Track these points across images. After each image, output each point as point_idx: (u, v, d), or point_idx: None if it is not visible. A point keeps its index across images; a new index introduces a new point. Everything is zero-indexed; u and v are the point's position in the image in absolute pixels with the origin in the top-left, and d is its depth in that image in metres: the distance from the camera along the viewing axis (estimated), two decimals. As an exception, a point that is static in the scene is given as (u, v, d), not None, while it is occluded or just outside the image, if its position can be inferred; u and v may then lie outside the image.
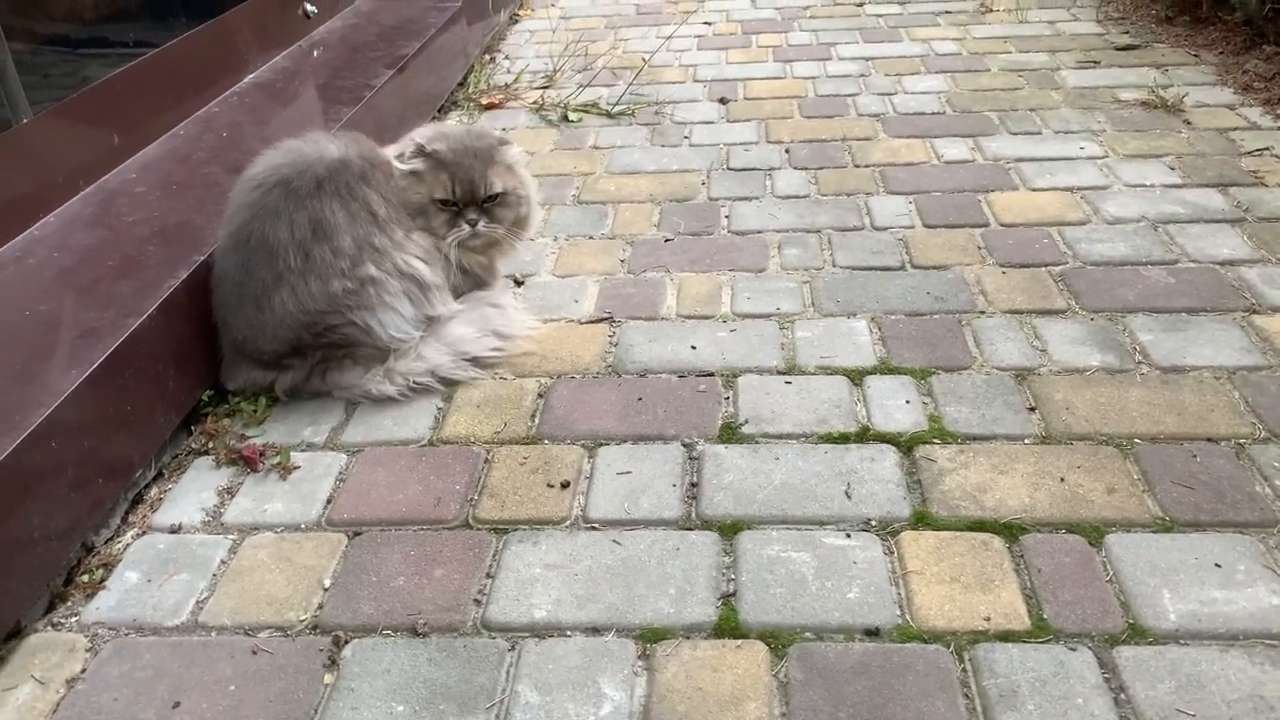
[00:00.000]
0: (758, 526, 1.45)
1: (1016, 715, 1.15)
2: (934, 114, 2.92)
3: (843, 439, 1.61)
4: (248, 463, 1.64)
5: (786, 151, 2.74)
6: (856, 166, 2.62)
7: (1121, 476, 1.50)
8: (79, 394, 1.45)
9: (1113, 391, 1.69)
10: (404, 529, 1.49)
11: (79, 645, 1.33)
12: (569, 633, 1.30)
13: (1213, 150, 2.55)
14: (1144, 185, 2.40)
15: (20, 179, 1.87)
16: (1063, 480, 1.50)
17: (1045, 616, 1.28)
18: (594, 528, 1.48)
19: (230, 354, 1.77)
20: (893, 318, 1.93)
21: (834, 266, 2.13)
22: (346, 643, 1.31)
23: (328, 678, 1.26)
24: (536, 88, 3.35)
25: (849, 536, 1.42)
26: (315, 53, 2.94)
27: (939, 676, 1.21)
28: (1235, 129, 2.67)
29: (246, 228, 1.70)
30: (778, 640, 1.27)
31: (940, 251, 2.16)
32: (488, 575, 1.40)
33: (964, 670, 1.22)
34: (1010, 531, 1.42)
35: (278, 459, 1.64)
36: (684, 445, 1.63)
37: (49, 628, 1.36)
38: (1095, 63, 3.24)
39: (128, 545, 1.51)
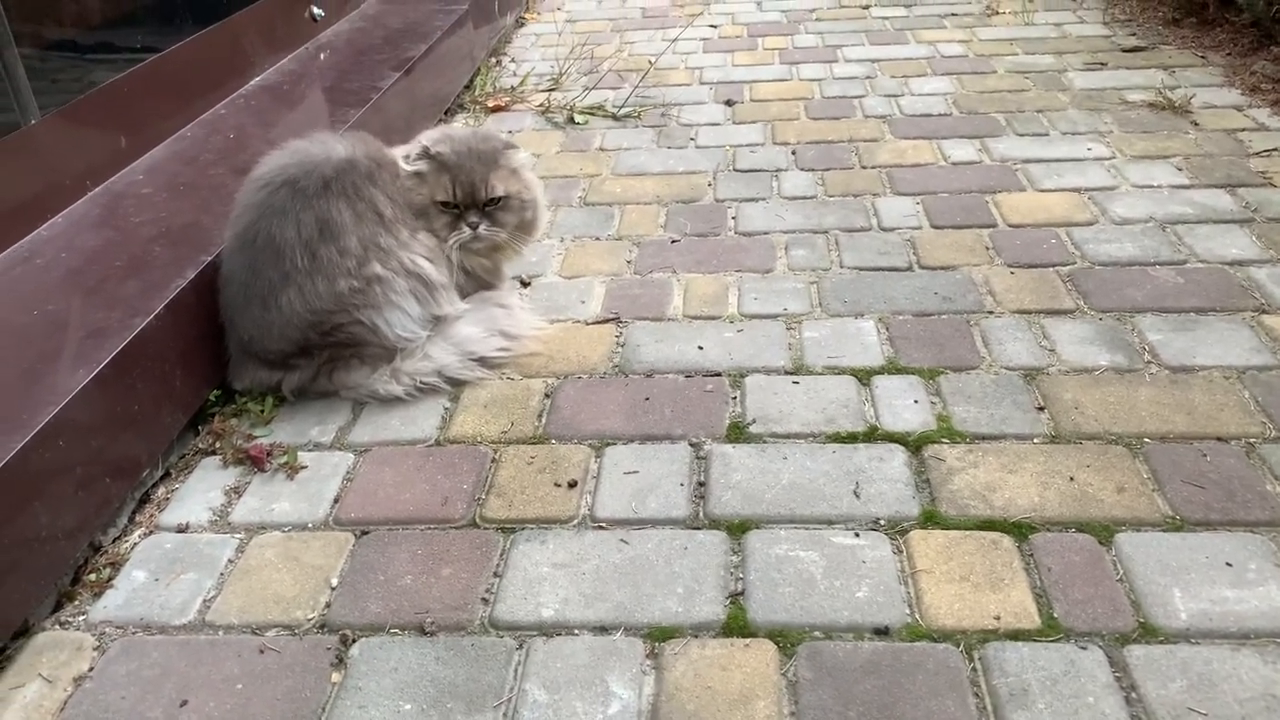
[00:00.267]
0: (766, 526, 1.45)
1: (1027, 714, 1.15)
2: (941, 115, 2.92)
3: (851, 439, 1.61)
4: (255, 462, 1.64)
5: (793, 153, 2.74)
6: (863, 168, 2.61)
7: (1131, 475, 1.50)
8: (87, 393, 1.45)
9: (1122, 391, 1.68)
10: (411, 528, 1.49)
11: (86, 644, 1.33)
12: (577, 631, 1.30)
13: (1220, 151, 2.54)
14: (1152, 186, 2.39)
15: (28, 180, 1.88)
16: (1072, 479, 1.49)
17: (1055, 615, 1.27)
18: (601, 527, 1.47)
19: (237, 354, 1.77)
20: (900, 318, 1.93)
21: (841, 267, 2.13)
22: (354, 641, 1.30)
23: (335, 676, 1.26)
24: (542, 90, 3.35)
25: (858, 536, 1.42)
26: (322, 55, 2.95)
27: (949, 675, 1.20)
28: (1243, 130, 2.66)
29: (253, 228, 1.70)
30: (786, 639, 1.27)
31: (948, 252, 2.15)
32: (495, 574, 1.40)
33: (974, 669, 1.21)
34: (1020, 531, 1.41)
35: (285, 459, 1.64)
36: (691, 445, 1.63)
37: (56, 626, 1.36)
38: (1102, 64, 3.24)
39: (135, 544, 1.50)
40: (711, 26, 4.00)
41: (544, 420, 1.71)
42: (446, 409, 1.76)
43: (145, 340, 1.58)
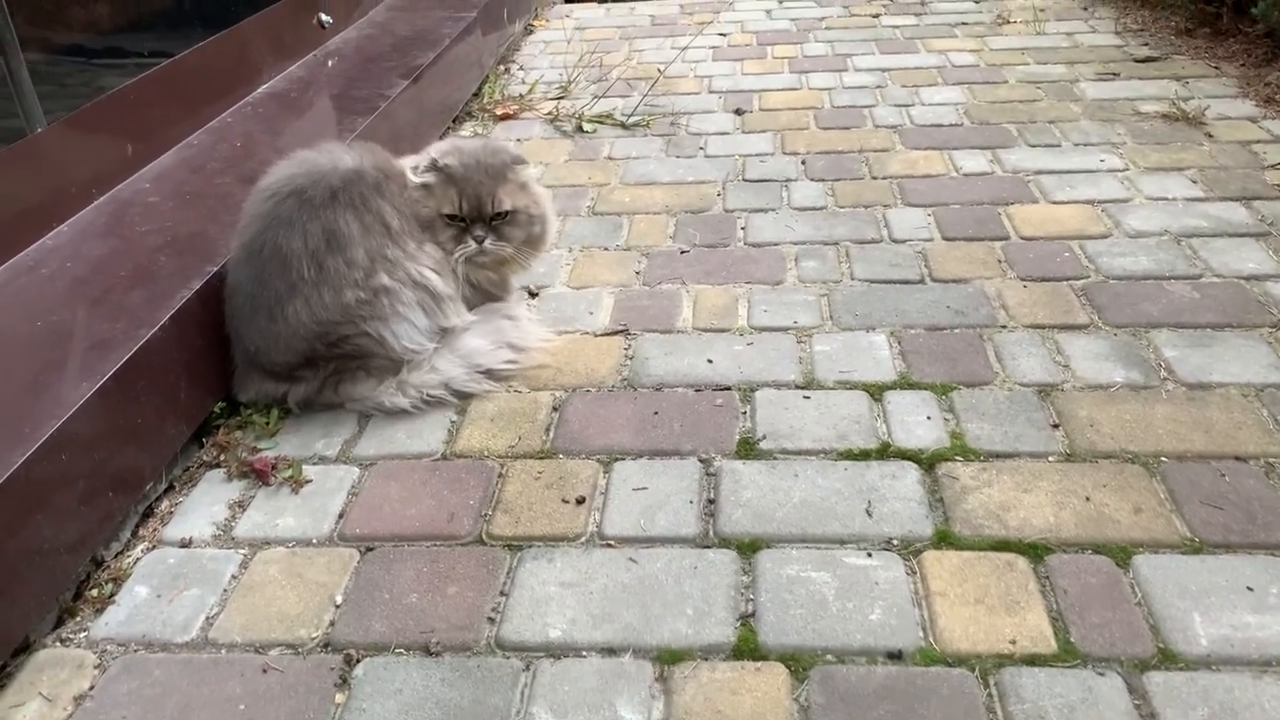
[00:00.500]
0: (777, 545, 1.43)
1: (1044, 743, 1.13)
2: (952, 126, 2.90)
3: (863, 455, 1.59)
4: (259, 476, 1.62)
5: (803, 163, 2.72)
6: (874, 178, 2.59)
7: (1148, 496, 1.47)
8: (90, 405, 1.43)
9: (1138, 408, 1.66)
10: (417, 545, 1.47)
11: (87, 662, 1.31)
12: (584, 653, 1.28)
13: (1235, 163, 2.52)
14: (1166, 198, 2.37)
15: (34, 188, 1.86)
16: (1088, 499, 1.47)
17: (1072, 640, 1.25)
18: (610, 545, 1.45)
19: (242, 365, 1.76)
20: (912, 332, 1.90)
21: (852, 279, 2.11)
22: (358, 661, 1.28)
23: (339, 697, 1.24)
24: (551, 98, 3.34)
25: (870, 556, 1.39)
26: (330, 63, 2.94)
27: (964, 702, 1.18)
28: (1258, 142, 2.64)
29: (260, 238, 1.69)
30: (798, 663, 1.24)
31: (960, 264, 2.13)
32: (501, 593, 1.38)
33: (989, 695, 1.19)
34: (1035, 552, 1.39)
35: (290, 472, 1.62)
36: (701, 461, 1.61)
37: (57, 643, 1.35)
38: (1114, 75, 3.21)
39: (138, 559, 1.49)
40: (721, 35, 3.98)
41: (551, 434, 1.69)
42: (453, 422, 1.74)
43: (150, 352, 1.56)
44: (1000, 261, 2.14)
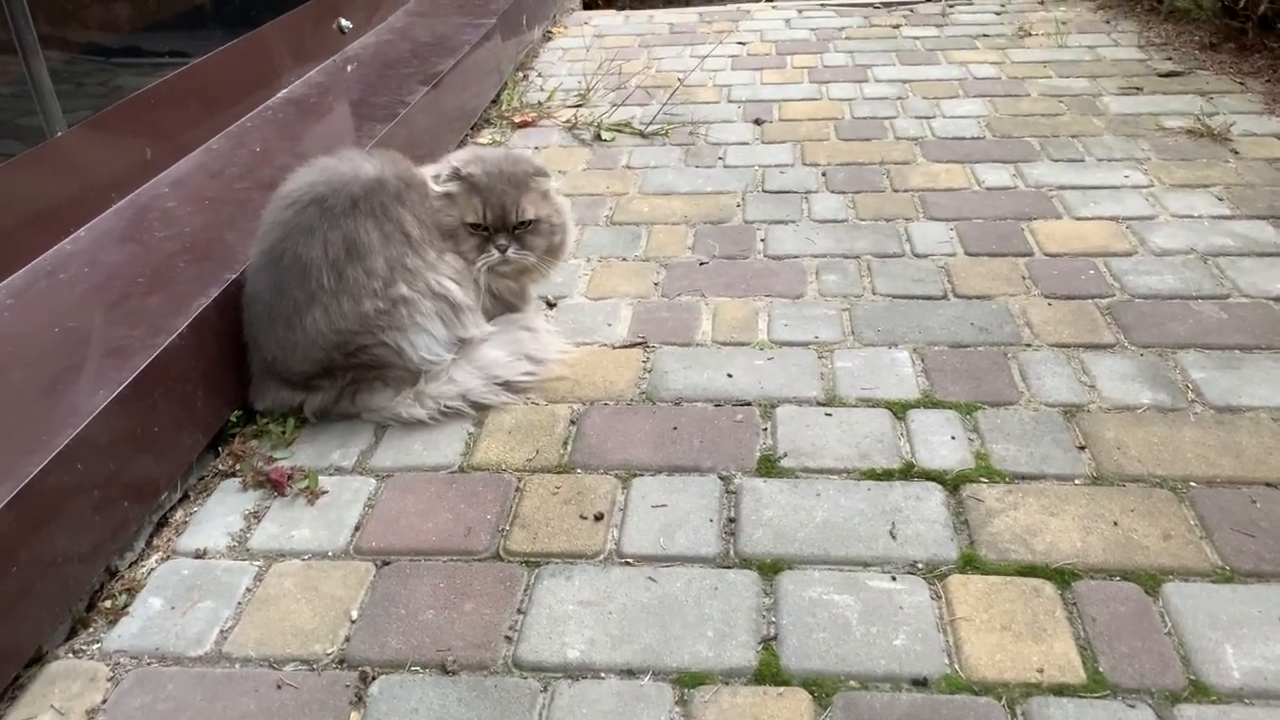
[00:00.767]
0: (799, 566, 1.40)
1: (1074, 776, 1.10)
2: (974, 139, 2.87)
3: (886, 475, 1.56)
4: (275, 486, 1.61)
5: (823, 174, 2.70)
6: (895, 191, 2.57)
7: (1178, 522, 1.44)
8: (107, 414, 1.42)
9: (1165, 431, 1.63)
10: (433, 559, 1.45)
11: (100, 674, 1.29)
12: (603, 674, 1.26)
13: (1262, 181, 2.49)
14: (1192, 216, 2.34)
15: (53, 192, 1.86)
16: (1116, 524, 1.44)
17: (1101, 670, 1.23)
18: (628, 563, 1.43)
19: (259, 374, 1.74)
20: (935, 349, 1.88)
21: (874, 294, 2.09)
22: (374, 679, 1.26)
23: (354, 715, 1.22)
24: (569, 106, 3.32)
25: (894, 579, 1.37)
26: (349, 68, 2.93)
27: (991, 732, 1.16)
28: (1285, 159, 2.61)
29: (280, 246, 1.67)
30: (821, 688, 1.22)
31: (983, 281, 2.11)
32: (519, 611, 1.36)
33: (1017, 726, 1.16)
34: (1062, 577, 1.36)
35: (306, 483, 1.61)
36: (721, 478, 1.59)
37: (70, 655, 1.33)
38: (1138, 89, 3.19)
39: (151, 570, 1.47)
40: (740, 44, 3.97)
41: (569, 448, 1.67)
42: (470, 434, 1.72)
43: (167, 359, 1.55)
44: (1024, 278, 2.11)
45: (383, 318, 1.68)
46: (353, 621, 1.35)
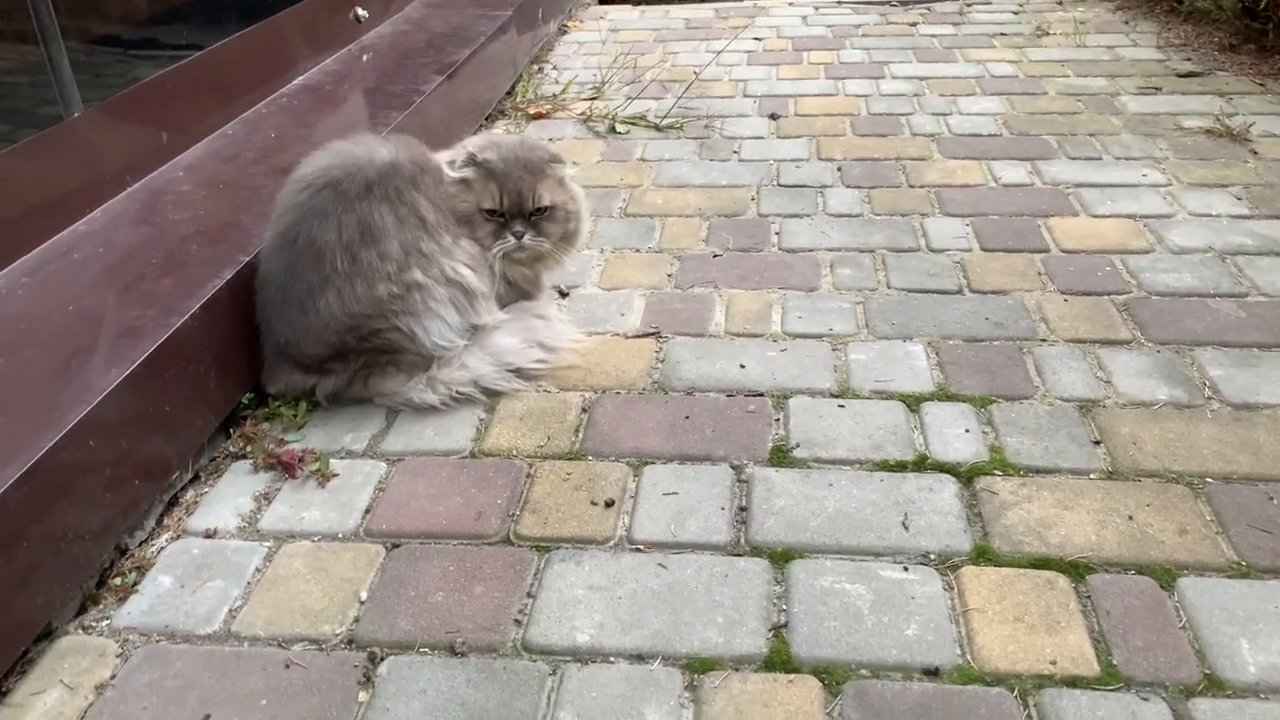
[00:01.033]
0: (810, 555, 1.39)
1: (1087, 768, 1.09)
2: (990, 136, 2.86)
3: (899, 467, 1.55)
4: (286, 468, 1.60)
5: (839, 169, 2.69)
6: (911, 186, 2.56)
7: (1193, 517, 1.43)
8: (119, 392, 1.42)
9: (1182, 427, 1.62)
10: (443, 542, 1.45)
11: (109, 650, 1.29)
12: (613, 659, 1.25)
13: (1281, 181, 2.47)
14: (1210, 215, 2.32)
15: (69, 173, 1.86)
16: (1131, 519, 1.43)
17: (1115, 663, 1.21)
18: (639, 549, 1.43)
19: (272, 356, 1.74)
20: (950, 343, 1.87)
21: (888, 288, 2.07)
22: (382, 660, 1.26)
23: (362, 695, 1.21)
24: (584, 99, 3.32)
25: (906, 570, 1.36)
26: (365, 57, 2.93)
27: (1003, 723, 1.14)
28: (1304, 160, 2.59)
29: (294, 229, 1.67)
30: (832, 676, 1.21)
31: (999, 276, 2.09)
32: (529, 595, 1.35)
33: (1029, 716, 1.15)
34: (1076, 571, 1.35)
35: (316, 465, 1.60)
36: (733, 467, 1.58)
37: (80, 631, 1.33)
38: (1156, 89, 3.17)
39: (161, 549, 1.47)
40: (756, 39, 3.96)
41: (581, 435, 1.67)
42: (481, 420, 1.72)
43: (180, 340, 1.55)
44: (1040, 274, 2.10)
45: (396, 302, 1.68)
46: (362, 602, 1.35)
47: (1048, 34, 3.82)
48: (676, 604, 1.33)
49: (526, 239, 1.79)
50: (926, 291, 2.05)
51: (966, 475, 1.53)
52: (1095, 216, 2.35)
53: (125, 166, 2.00)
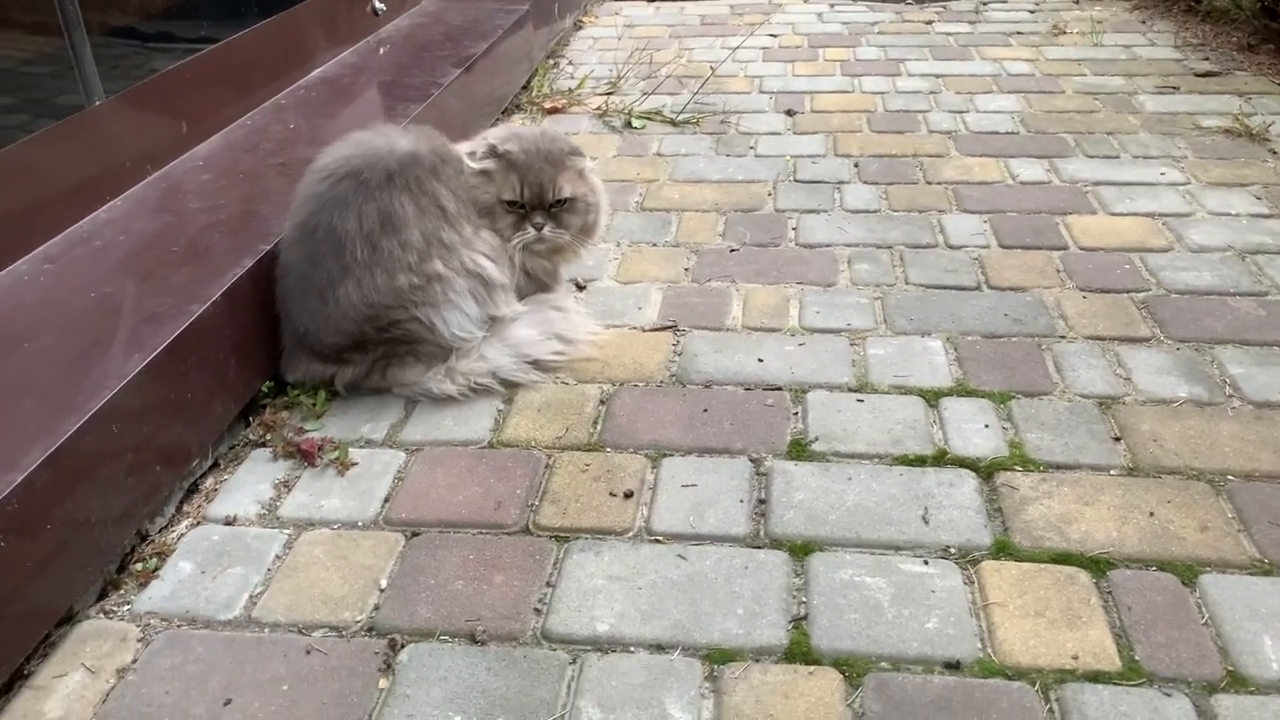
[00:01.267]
0: (830, 548, 1.39)
1: (1109, 762, 1.09)
2: (1008, 134, 2.85)
3: (919, 461, 1.55)
4: (305, 457, 1.61)
5: (855, 165, 2.68)
6: (928, 183, 2.55)
7: (1215, 514, 1.43)
8: (141, 379, 1.42)
9: (1202, 425, 1.61)
10: (463, 531, 1.45)
11: (130, 635, 1.30)
12: (632, 649, 1.25)
13: (1301, 181, 2.46)
14: (1229, 214, 2.31)
15: (90, 161, 1.87)
16: (1152, 515, 1.43)
17: (1137, 658, 1.21)
18: (658, 541, 1.42)
19: (291, 346, 1.74)
20: (969, 338, 1.86)
21: (906, 284, 2.07)
22: (403, 647, 1.26)
23: (383, 682, 1.22)
24: (600, 94, 3.31)
25: (927, 564, 1.36)
26: (382, 50, 2.93)
27: (1025, 716, 1.14)
28: (1324, 160, 2.57)
29: (314, 218, 1.68)
30: (852, 668, 1.21)
31: (1017, 273, 2.09)
32: (548, 584, 1.35)
33: (1050, 711, 1.15)
34: (1097, 566, 1.34)
35: (336, 454, 1.61)
36: (751, 460, 1.58)
37: (101, 615, 1.34)
38: (1174, 88, 3.15)
39: (182, 535, 1.48)
40: (771, 36, 3.95)
41: (599, 427, 1.67)
42: (500, 411, 1.72)
43: (201, 328, 1.55)
44: (1059, 271, 2.09)
45: (416, 293, 1.68)
46: (382, 590, 1.35)
47: (1064, 32, 3.81)
48: (696, 595, 1.33)
49: (546, 230, 1.79)
50: (945, 288, 2.05)
51: (986, 470, 1.53)
52: (1114, 215, 2.34)
53: (145, 155, 2.01)
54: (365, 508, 1.51)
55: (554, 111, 3.20)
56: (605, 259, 2.22)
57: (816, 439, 1.61)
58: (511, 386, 1.77)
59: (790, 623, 1.28)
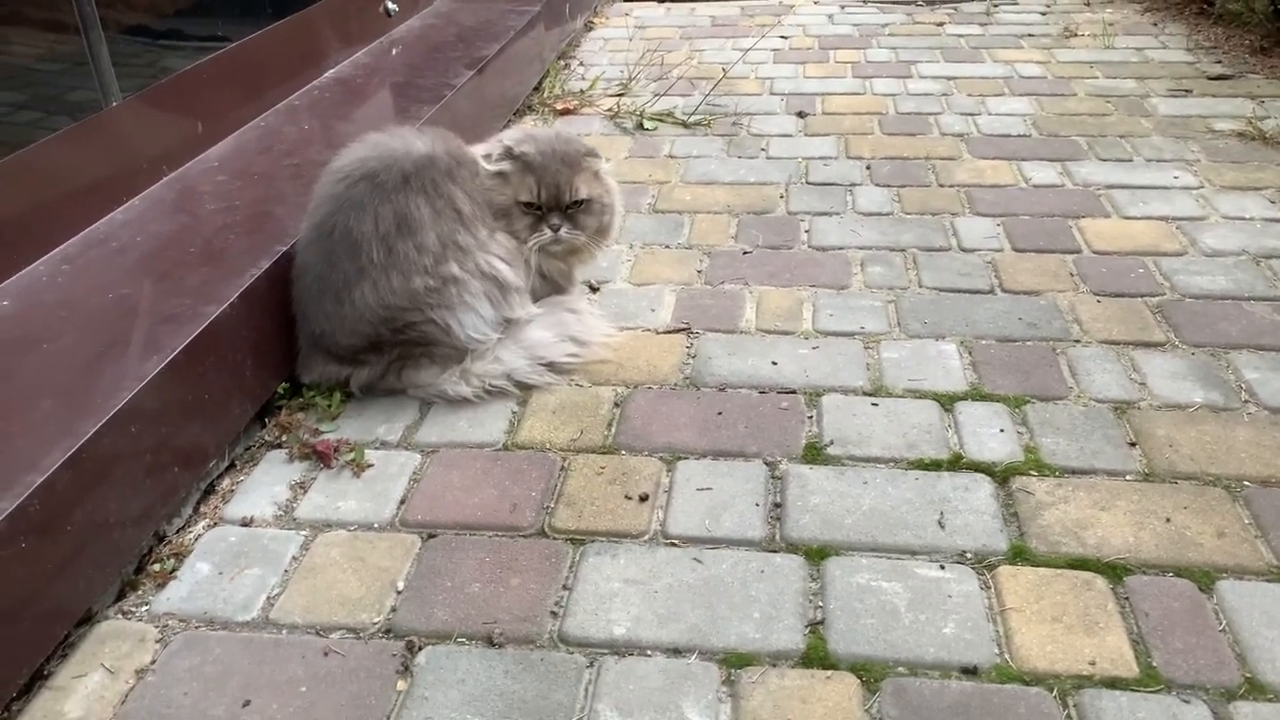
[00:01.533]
0: (846, 553, 1.39)
1: (1128, 769, 1.09)
2: (1020, 136, 2.85)
3: (934, 466, 1.55)
4: (321, 458, 1.61)
5: (867, 168, 2.68)
6: (941, 186, 2.55)
7: (1232, 520, 1.42)
8: (159, 380, 1.43)
9: (1218, 430, 1.61)
10: (479, 534, 1.45)
11: (149, 636, 1.30)
12: (649, 652, 1.25)
13: (1315, 185, 2.45)
14: (1243, 218, 2.31)
15: (106, 162, 1.87)
16: (1169, 520, 1.43)
17: (1155, 664, 1.21)
18: (674, 544, 1.43)
19: (307, 347, 1.75)
20: (983, 342, 1.86)
21: (920, 286, 2.07)
22: (420, 649, 1.27)
23: (400, 684, 1.22)
24: (611, 95, 3.32)
25: (943, 568, 1.36)
26: (394, 51, 2.94)
27: (1043, 722, 1.14)
28: (1338, 164, 2.57)
29: (330, 220, 1.68)
30: (869, 673, 1.21)
31: (1031, 276, 2.09)
32: (565, 587, 1.36)
33: (1068, 717, 1.15)
34: (1114, 572, 1.34)
35: (351, 455, 1.61)
36: (766, 464, 1.58)
37: (119, 616, 1.34)
38: (1187, 91, 3.15)
39: (199, 536, 1.48)
40: (782, 38, 3.95)
41: (614, 430, 1.67)
42: (514, 413, 1.72)
43: (218, 329, 1.56)
44: (1072, 275, 2.09)
45: (432, 295, 1.68)
46: (399, 592, 1.36)
47: (1076, 35, 3.80)
48: (712, 599, 1.33)
49: (563, 232, 1.80)
50: (958, 291, 2.05)
51: (1002, 475, 1.53)
52: (1127, 218, 2.33)
53: (161, 156, 2.02)
54: (381, 509, 1.51)
55: (565, 113, 3.21)
56: (618, 261, 2.22)
57: (831, 442, 1.61)
58: (526, 388, 1.77)
59: (807, 627, 1.28)
